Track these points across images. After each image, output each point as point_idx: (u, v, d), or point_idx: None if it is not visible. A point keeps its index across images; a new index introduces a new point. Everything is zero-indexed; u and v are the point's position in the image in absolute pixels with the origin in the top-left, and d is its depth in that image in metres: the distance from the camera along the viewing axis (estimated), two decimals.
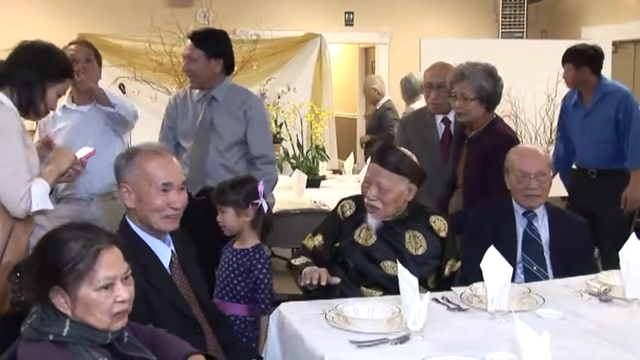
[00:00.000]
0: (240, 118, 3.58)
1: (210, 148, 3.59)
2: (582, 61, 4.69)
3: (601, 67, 4.77)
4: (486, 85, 3.37)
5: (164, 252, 2.40)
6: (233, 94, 3.65)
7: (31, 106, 2.76)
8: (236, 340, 2.62)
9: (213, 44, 3.59)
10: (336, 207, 2.96)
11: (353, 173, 5.72)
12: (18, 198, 2.60)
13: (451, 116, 3.82)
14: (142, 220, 2.38)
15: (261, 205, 3.05)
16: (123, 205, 2.45)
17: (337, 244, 2.85)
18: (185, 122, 3.68)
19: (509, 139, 3.38)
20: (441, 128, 3.87)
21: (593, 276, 2.71)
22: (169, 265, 2.40)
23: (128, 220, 2.40)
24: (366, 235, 2.80)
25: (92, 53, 3.70)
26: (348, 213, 2.87)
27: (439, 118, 3.87)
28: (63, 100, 3.67)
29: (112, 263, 1.79)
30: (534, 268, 2.96)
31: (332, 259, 2.83)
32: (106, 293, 1.77)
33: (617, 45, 7.93)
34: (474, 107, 3.38)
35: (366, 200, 2.78)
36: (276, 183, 3.70)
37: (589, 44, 4.86)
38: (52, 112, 3.62)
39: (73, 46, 3.70)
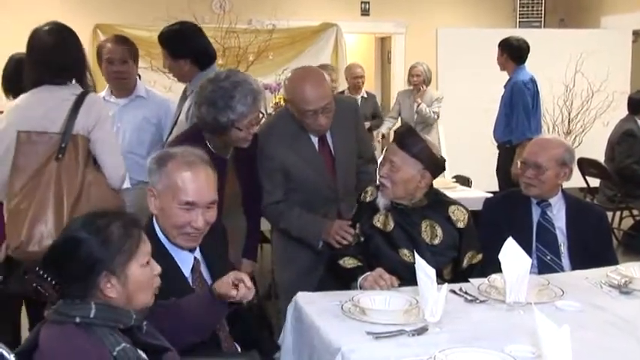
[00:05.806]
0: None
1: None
2: (505, 48, 5.58)
3: (522, 59, 5.58)
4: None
5: (185, 259, 2.30)
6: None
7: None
8: (255, 338, 2.51)
9: (176, 45, 3.46)
10: (360, 193, 2.98)
11: None
12: (123, 177, 2.97)
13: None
14: (161, 228, 2.29)
15: None
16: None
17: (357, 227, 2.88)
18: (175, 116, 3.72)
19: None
20: (314, 138, 3.15)
21: (613, 268, 2.68)
22: (191, 271, 2.31)
23: (154, 222, 2.30)
24: (384, 221, 2.80)
25: (128, 53, 3.69)
26: (369, 198, 2.89)
27: None
28: (102, 93, 3.82)
29: (145, 240, 1.87)
30: (548, 257, 2.94)
31: (357, 243, 2.85)
32: (148, 269, 1.85)
33: (637, 34, 7.84)
34: None
35: (378, 177, 2.78)
36: None
37: (520, 38, 5.64)
38: None
39: (110, 45, 3.69)
